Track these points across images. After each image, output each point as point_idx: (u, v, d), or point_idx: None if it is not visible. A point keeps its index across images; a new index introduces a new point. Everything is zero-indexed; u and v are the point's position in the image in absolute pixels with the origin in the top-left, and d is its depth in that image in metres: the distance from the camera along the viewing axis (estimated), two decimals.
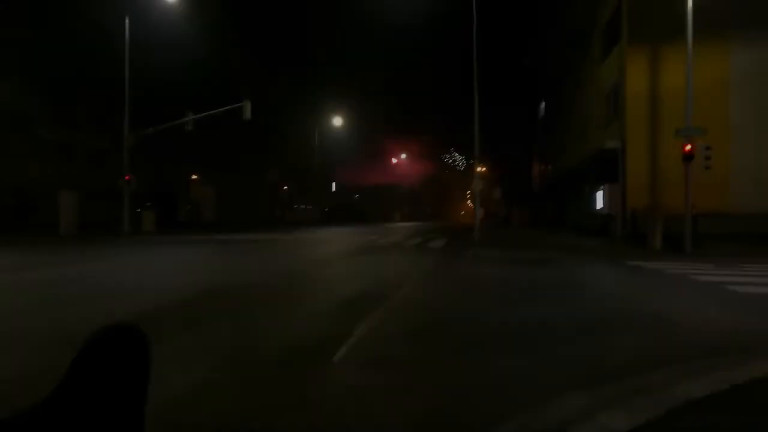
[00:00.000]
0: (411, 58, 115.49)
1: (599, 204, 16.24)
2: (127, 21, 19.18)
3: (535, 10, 36.92)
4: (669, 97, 13.85)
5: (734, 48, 13.94)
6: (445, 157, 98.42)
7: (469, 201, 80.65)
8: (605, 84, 17.23)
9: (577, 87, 22.18)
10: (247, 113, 19.42)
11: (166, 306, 4.65)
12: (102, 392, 0.58)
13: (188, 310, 4.49)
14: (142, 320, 4.05)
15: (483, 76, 16.50)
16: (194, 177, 36.22)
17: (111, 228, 19.79)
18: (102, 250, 11.40)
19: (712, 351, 3.14)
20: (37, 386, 0.76)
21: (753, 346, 3.29)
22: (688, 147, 10.81)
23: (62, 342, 3.31)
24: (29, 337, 3.55)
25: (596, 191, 17.27)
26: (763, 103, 13.69)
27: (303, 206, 54.76)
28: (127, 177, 18.97)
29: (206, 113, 20.15)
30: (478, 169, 16.67)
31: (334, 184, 64.42)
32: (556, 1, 27.40)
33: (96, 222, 22.34)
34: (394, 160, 75.42)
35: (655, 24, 14.12)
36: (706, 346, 3.34)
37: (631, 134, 14.63)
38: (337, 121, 42.95)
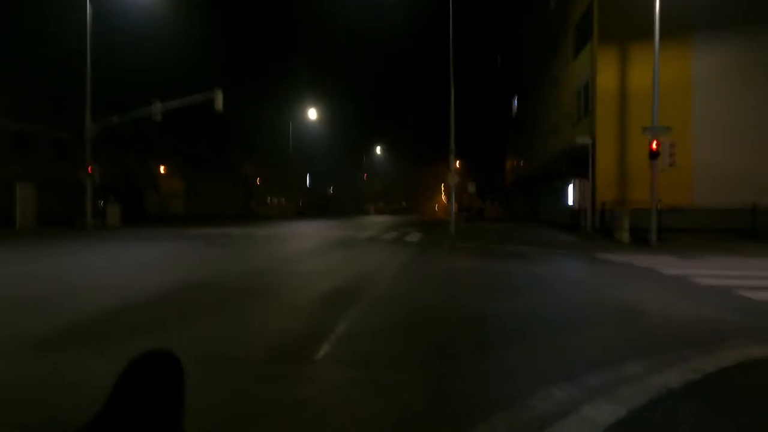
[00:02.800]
0: (387, 55, 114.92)
1: (570, 199, 16.70)
2: (88, 4, 18.18)
3: (508, 9, 37.43)
4: (637, 94, 14.35)
5: (697, 50, 14.52)
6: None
7: (443, 195, 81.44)
8: (576, 81, 17.65)
9: (549, 84, 22.64)
10: (219, 104, 18.80)
11: (132, 306, 4.46)
12: (142, 415, 0.62)
13: (156, 311, 4.31)
14: (106, 321, 3.87)
15: (457, 73, 16.61)
16: (163, 169, 34.97)
17: (72, 222, 18.86)
18: (60, 246, 10.84)
19: (681, 341, 3.27)
20: None
21: (718, 336, 3.44)
22: (654, 144, 11.23)
23: (25, 347, 3.13)
24: None
25: (567, 186, 17.75)
26: (721, 103, 14.34)
27: (277, 200, 53.90)
28: (89, 168, 18.11)
29: (175, 100, 19.38)
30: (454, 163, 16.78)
31: (308, 177, 63.67)
32: (529, 1, 27.80)
33: (57, 216, 21.27)
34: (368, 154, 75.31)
35: (624, 24, 14.54)
36: (675, 336, 3.47)
37: (600, 131, 15.07)
38: (312, 114, 42.42)
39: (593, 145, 15.07)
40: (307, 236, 14.95)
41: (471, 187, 31.56)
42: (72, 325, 3.63)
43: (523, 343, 3.34)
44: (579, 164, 16.14)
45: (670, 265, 7.67)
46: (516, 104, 34.41)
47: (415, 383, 2.57)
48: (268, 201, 51.89)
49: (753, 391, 2.39)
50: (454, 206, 18.61)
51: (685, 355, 2.84)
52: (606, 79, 15.10)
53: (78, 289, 5.32)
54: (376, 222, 31.14)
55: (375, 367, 2.80)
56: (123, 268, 7.40)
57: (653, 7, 11.37)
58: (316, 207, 61.14)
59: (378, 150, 79.23)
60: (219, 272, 6.83)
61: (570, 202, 16.77)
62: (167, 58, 29.99)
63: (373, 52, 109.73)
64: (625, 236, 12.38)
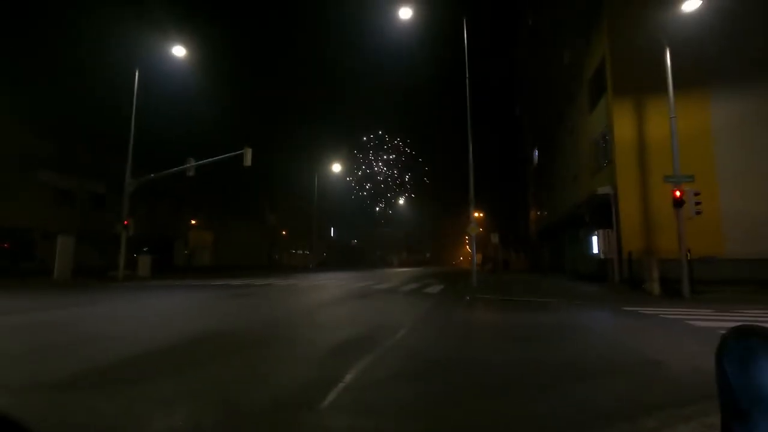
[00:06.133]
0: (408, 106, 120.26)
1: (595, 249, 16.29)
2: (137, 73, 20.02)
3: (525, 63, 38.91)
4: (656, 144, 14.33)
5: (715, 100, 14.56)
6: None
7: (467, 246, 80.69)
8: (595, 132, 17.83)
9: (568, 135, 22.91)
10: (248, 160, 19.86)
11: (151, 353, 4.57)
12: None
13: (173, 357, 4.41)
14: (125, 366, 3.98)
15: (479, 125, 17.10)
16: (193, 222, 36.39)
17: (106, 273, 19.60)
18: (95, 296, 11.26)
19: (703, 394, 3.09)
20: None
21: None
22: (678, 193, 11.05)
23: (40, 388, 3.25)
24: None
25: (591, 236, 17.40)
26: (746, 151, 14.11)
27: (301, 251, 54.59)
28: (125, 222, 19.05)
29: (207, 160, 20.58)
30: (475, 214, 16.83)
31: (332, 229, 64.63)
32: (545, 55, 28.90)
33: (91, 266, 22.18)
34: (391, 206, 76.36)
35: (638, 76, 14.81)
36: (698, 389, 3.28)
37: (622, 180, 14.96)
38: (336, 167, 43.91)
39: (615, 194, 14.92)
40: (327, 287, 14.99)
41: (494, 238, 31.27)
42: (89, 370, 3.76)
43: (535, 395, 3.23)
44: (602, 213, 15.91)
45: (701, 318, 7.28)
46: (537, 155, 34.71)
47: None
48: (293, 252, 52.60)
49: None
50: (476, 257, 18.43)
51: (704, 409, 2.69)
52: (623, 130, 15.21)
53: (102, 336, 5.50)
54: (398, 273, 30.94)
55: (378, 417, 2.77)
56: (148, 317, 7.61)
57: (665, 61, 11.67)
58: (339, 258, 61.45)
59: (402, 201, 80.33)
60: (237, 322, 6.93)
61: (595, 252, 16.34)
62: (200, 115, 32.23)
63: (396, 103, 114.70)
64: (656, 287, 11.86)
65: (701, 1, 11.75)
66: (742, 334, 0.64)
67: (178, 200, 33.10)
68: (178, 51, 20.30)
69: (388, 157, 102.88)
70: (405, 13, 17.14)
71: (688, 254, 11.08)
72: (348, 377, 3.61)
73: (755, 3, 14.44)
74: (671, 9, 12.27)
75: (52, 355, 4.42)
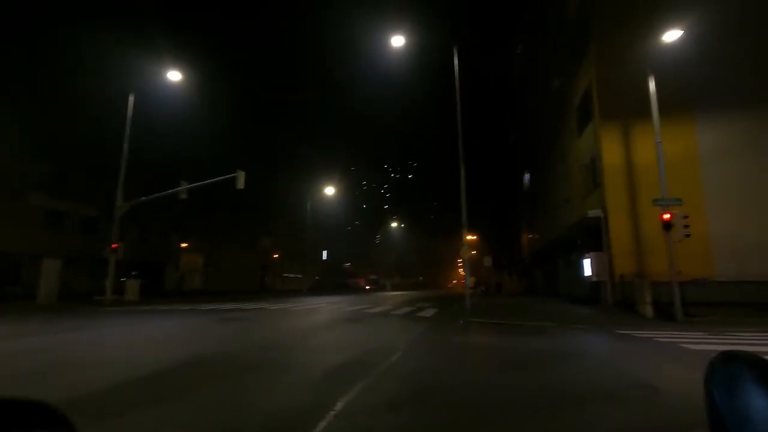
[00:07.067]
0: (404, 129, 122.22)
1: (587, 271, 16.31)
2: (131, 98, 20.13)
3: (518, 91, 39.92)
4: (645, 168, 14.55)
5: (700, 124, 14.90)
6: None
7: (460, 269, 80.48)
8: (584, 156, 18.15)
9: (559, 159, 23.30)
10: (241, 183, 19.84)
11: (139, 378, 4.45)
12: None
13: (161, 383, 4.30)
14: (110, 393, 3.87)
15: (471, 149, 17.32)
16: (184, 245, 35.93)
17: (93, 297, 19.18)
18: (78, 321, 10.99)
19: (702, 421, 3.06)
20: None
21: None
22: (666, 216, 11.22)
23: None
24: None
25: (583, 259, 17.46)
26: (733, 174, 14.35)
27: (293, 275, 54.04)
28: (114, 245, 18.78)
29: (199, 183, 20.51)
30: (468, 237, 16.87)
31: (325, 252, 64.22)
32: (536, 82, 29.69)
33: (80, 290, 21.75)
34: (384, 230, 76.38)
35: (624, 102, 15.16)
36: (693, 414, 3.26)
37: (611, 203, 15.14)
38: (329, 190, 44.04)
39: (605, 217, 15.08)
40: (320, 311, 14.80)
41: (487, 261, 31.23)
42: (72, 399, 3.64)
43: (531, 420, 3.19)
44: (593, 236, 16.03)
45: (694, 341, 7.28)
46: (529, 179, 35.17)
47: None
48: (285, 275, 52.06)
49: None
50: (470, 281, 18.38)
51: None
52: (611, 155, 15.49)
53: (88, 363, 5.35)
54: (391, 297, 30.68)
55: None
56: (134, 343, 7.43)
57: (650, 88, 12.02)
58: (332, 281, 60.93)
59: (394, 224, 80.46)
60: (228, 347, 6.79)
61: (587, 274, 16.37)
62: (191, 138, 32.16)
63: (389, 127, 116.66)
64: (649, 310, 11.88)
65: (682, 32, 12.25)
66: (728, 359, 0.67)
67: (169, 223, 32.79)
68: (174, 75, 20.55)
69: (382, 179, 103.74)
70: (397, 41, 17.61)
71: (679, 276, 11.14)
72: (341, 402, 3.53)
73: (738, 28, 14.98)
74: (656, 37, 12.72)
75: (31, 383, 4.28)
